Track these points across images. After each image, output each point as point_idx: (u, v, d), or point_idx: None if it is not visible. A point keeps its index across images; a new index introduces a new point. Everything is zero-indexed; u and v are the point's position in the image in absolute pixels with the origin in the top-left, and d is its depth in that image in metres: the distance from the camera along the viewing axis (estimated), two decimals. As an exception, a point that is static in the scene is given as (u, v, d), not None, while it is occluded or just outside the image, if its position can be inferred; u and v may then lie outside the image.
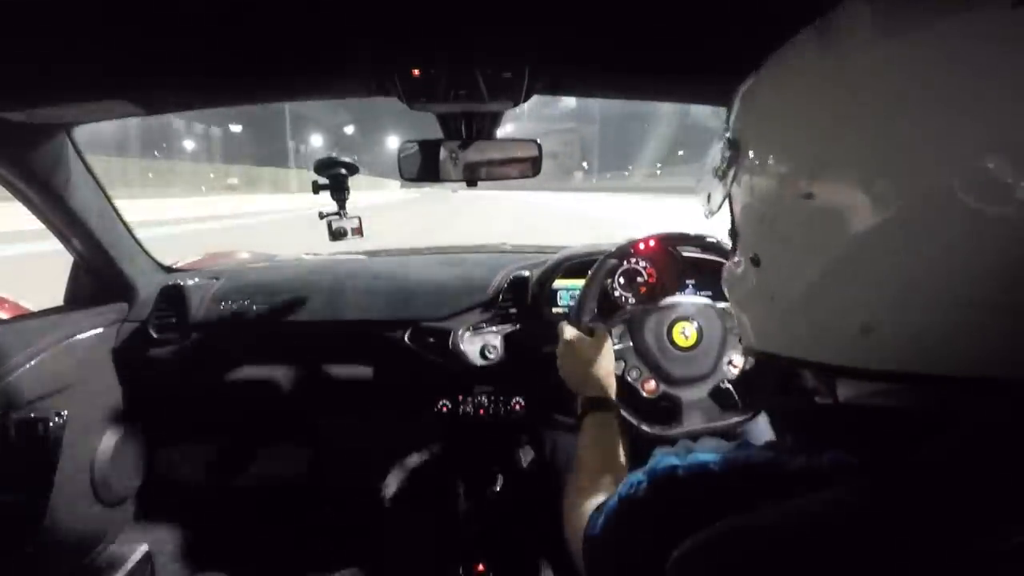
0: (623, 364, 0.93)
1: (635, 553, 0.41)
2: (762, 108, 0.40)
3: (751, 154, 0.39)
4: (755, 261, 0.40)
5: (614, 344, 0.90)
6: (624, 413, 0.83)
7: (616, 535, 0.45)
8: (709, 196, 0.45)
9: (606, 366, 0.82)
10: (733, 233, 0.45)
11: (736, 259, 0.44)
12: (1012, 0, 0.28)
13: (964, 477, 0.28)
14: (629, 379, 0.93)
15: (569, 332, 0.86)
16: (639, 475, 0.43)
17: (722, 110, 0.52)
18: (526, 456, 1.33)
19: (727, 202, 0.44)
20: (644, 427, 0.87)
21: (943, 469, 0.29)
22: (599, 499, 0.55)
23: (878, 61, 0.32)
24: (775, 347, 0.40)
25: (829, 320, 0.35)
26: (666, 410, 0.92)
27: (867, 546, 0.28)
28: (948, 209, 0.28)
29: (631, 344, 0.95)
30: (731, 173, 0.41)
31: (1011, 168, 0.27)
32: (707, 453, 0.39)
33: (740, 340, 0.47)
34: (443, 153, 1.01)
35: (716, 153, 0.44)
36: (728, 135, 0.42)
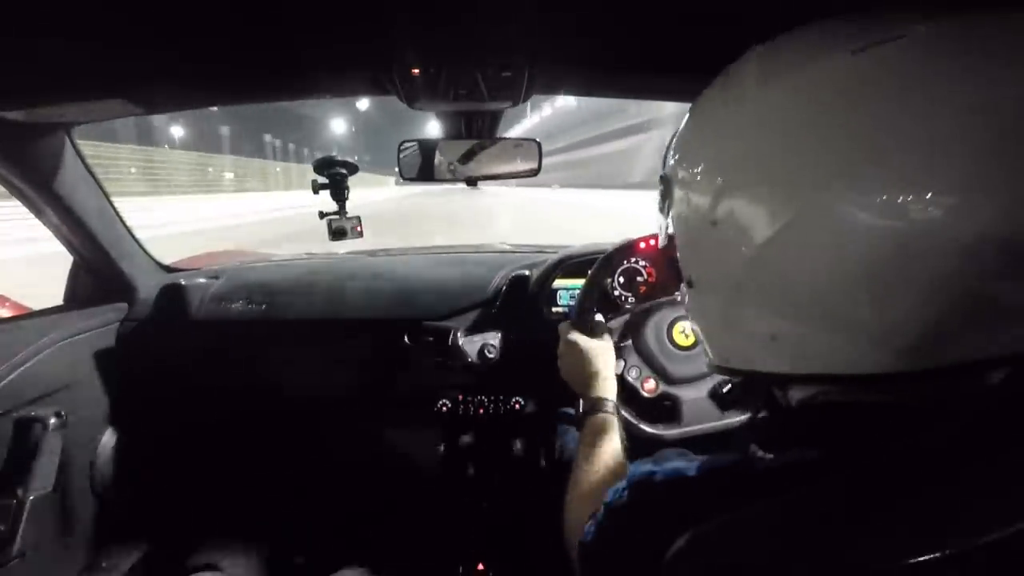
0: (623, 363, 0.93)
1: (625, 558, 0.43)
2: (681, 149, 0.45)
3: (675, 190, 0.45)
4: (690, 283, 0.45)
5: (614, 342, 0.90)
6: (624, 413, 0.83)
7: (605, 543, 0.46)
8: (660, 228, 0.52)
9: (606, 366, 0.82)
10: (676, 260, 0.49)
11: (683, 283, 0.49)
12: (852, 48, 0.33)
13: (922, 471, 0.30)
14: (629, 379, 0.93)
15: (570, 332, 0.86)
16: (621, 484, 0.46)
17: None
18: (526, 455, 1.33)
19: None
20: (644, 427, 0.87)
21: (901, 462, 0.31)
22: (593, 504, 0.56)
23: (756, 106, 0.38)
24: (723, 361, 0.44)
25: (746, 331, 0.39)
26: (666, 409, 0.92)
27: (837, 540, 0.29)
28: (814, 230, 0.33)
29: (631, 343, 0.95)
30: (665, 206, 0.48)
31: (855, 193, 0.32)
32: (680, 461, 0.42)
33: None
34: (443, 152, 1.01)
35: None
36: (662, 173, 0.48)
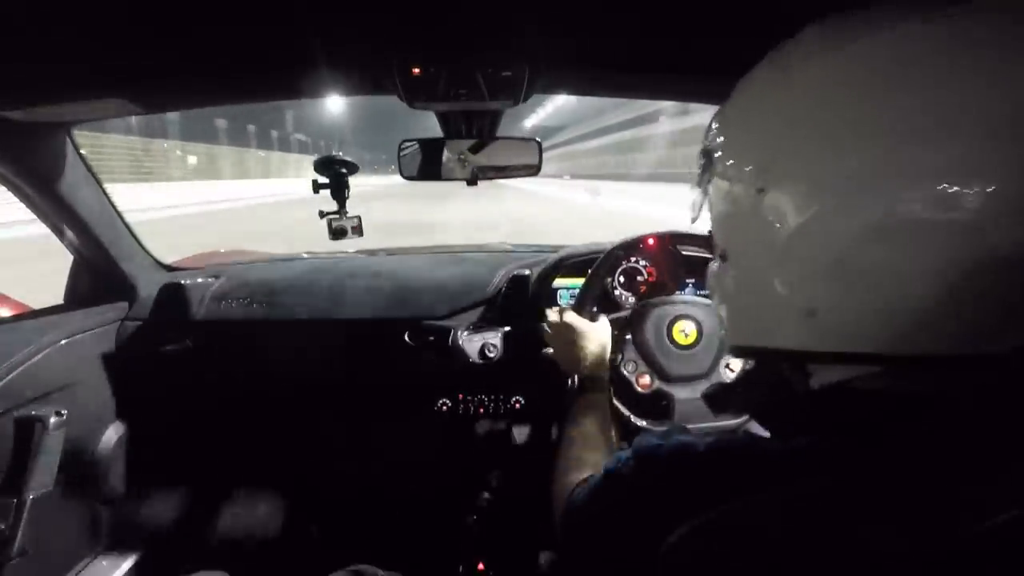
0: (619, 356, 0.94)
1: (618, 528, 0.43)
2: (727, 120, 0.45)
3: (719, 160, 0.45)
4: (723, 257, 0.45)
5: (613, 334, 0.91)
6: (616, 403, 0.83)
7: (599, 508, 0.47)
8: (694, 204, 0.51)
9: (601, 348, 0.82)
10: (710, 235, 0.49)
11: (714, 259, 0.49)
12: (923, 16, 0.32)
13: (934, 460, 0.30)
14: (625, 372, 0.93)
15: (568, 314, 0.86)
16: (625, 453, 0.45)
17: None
18: (526, 455, 1.33)
19: (708, 207, 0.49)
20: (634, 419, 0.87)
21: (914, 451, 0.31)
22: (584, 471, 0.57)
23: (813, 74, 0.37)
24: (745, 339, 0.44)
25: (781, 306, 0.39)
26: (658, 406, 0.93)
27: (846, 530, 0.30)
28: (867, 204, 0.33)
29: (630, 337, 0.95)
30: (705, 179, 0.47)
31: (912, 173, 0.31)
32: (687, 436, 0.42)
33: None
34: (443, 152, 1.01)
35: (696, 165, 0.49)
36: (703, 146, 0.48)
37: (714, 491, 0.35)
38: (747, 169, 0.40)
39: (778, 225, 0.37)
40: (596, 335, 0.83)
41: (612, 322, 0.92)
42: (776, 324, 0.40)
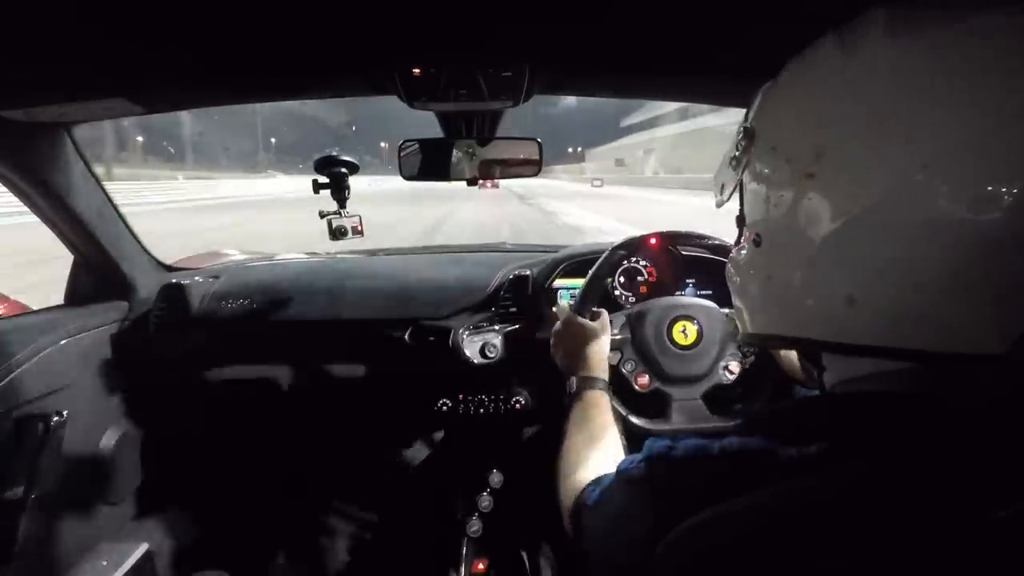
0: (619, 355, 0.94)
1: (628, 527, 0.43)
2: (778, 99, 0.43)
3: (765, 141, 0.43)
4: (757, 242, 0.43)
5: (613, 334, 0.91)
6: (613, 402, 0.84)
7: (611, 508, 0.46)
8: (723, 186, 0.49)
9: (600, 347, 0.82)
10: (740, 219, 0.48)
11: (741, 245, 0.47)
12: (1011, 8, 0.31)
13: (945, 467, 0.30)
14: (624, 370, 0.93)
15: (567, 314, 0.86)
16: (638, 456, 0.45)
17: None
18: (526, 455, 1.33)
19: (737, 190, 0.48)
20: (632, 418, 0.87)
21: (928, 455, 0.30)
22: (592, 470, 0.57)
23: (883, 61, 0.35)
24: (770, 328, 0.43)
25: (819, 294, 0.38)
26: (656, 405, 0.93)
27: (852, 530, 0.29)
28: (924, 199, 0.32)
29: (630, 337, 0.95)
30: (744, 160, 0.45)
31: (985, 168, 0.30)
32: (700, 439, 0.41)
33: (738, 334, 0.50)
34: (443, 152, 1.01)
35: (732, 144, 0.47)
36: (745, 125, 0.45)
37: (729, 494, 0.34)
38: (798, 153, 0.38)
39: (827, 212, 0.36)
40: (597, 335, 0.83)
41: (612, 321, 0.92)
42: (810, 312, 0.39)
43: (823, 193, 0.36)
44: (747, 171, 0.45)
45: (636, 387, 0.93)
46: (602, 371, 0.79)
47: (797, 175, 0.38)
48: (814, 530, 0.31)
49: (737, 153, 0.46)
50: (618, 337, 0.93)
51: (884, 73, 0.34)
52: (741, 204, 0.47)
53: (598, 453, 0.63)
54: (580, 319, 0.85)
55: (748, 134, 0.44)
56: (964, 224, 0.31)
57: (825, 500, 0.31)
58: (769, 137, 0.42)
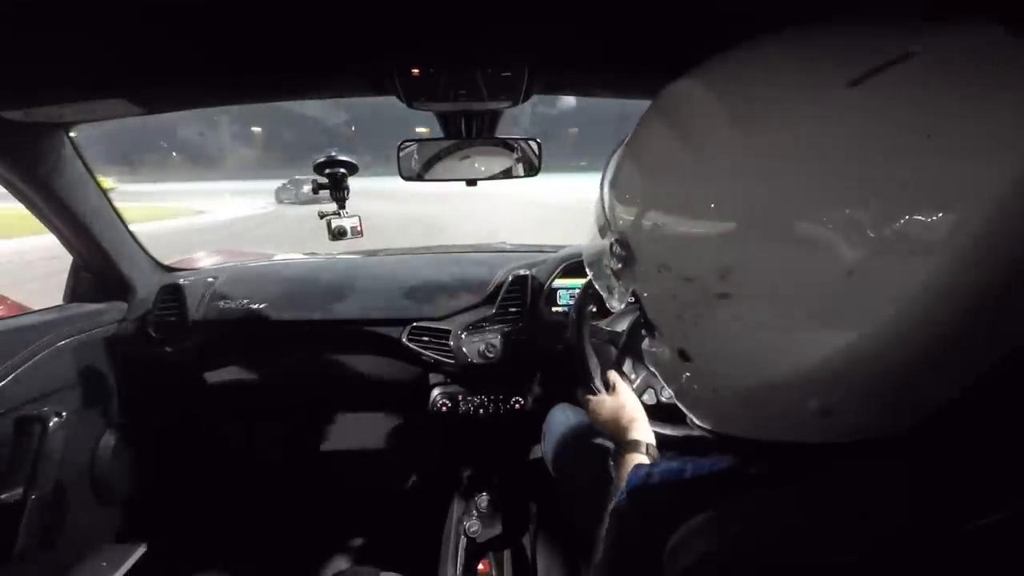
0: (629, 362, 0.93)
1: (631, 557, 0.44)
2: (644, 210, 0.36)
3: (648, 257, 0.37)
4: (684, 356, 0.36)
5: (620, 344, 0.90)
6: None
7: (614, 546, 0.48)
8: (609, 290, 0.43)
9: (634, 413, 0.82)
10: (648, 324, 0.40)
11: (659, 348, 0.39)
12: (847, 80, 0.27)
13: (915, 480, 0.30)
14: (631, 376, 0.93)
15: (588, 401, 0.86)
16: (622, 493, 0.47)
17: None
18: (526, 455, 1.33)
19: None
20: (655, 428, 0.87)
21: (899, 467, 0.31)
22: None
23: (738, 161, 0.31)
24: (733, 430, 0.37)
25: (778, 410, 0.33)
26: (669, 411, 0.92)
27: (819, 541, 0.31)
28: (873, 291, 0.27)
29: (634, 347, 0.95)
30: (629, 272, 0.38)
31: (866, 245, 0.26)
32: (675, 462, 0.42)
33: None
34: (443, 153, 1.01)
35: (600, 243, 0.42)
36: (615, 235, 0.39)
37: (700, 510, 0.36)
38: (699, 273, 0.32)
39: (759, 330, 0.31)
40: (628, 405, 0.83)
41: (615, 323, 0.91)
42: (774, 422, 0.34)
43: (746, 308, 0.31)
44: (638, 284, 0.38)
45: (644, 398, 0.92)
46: (643, 433, 0.78)
47: (708, 296, 0.32)
48: (782, 543, 0.32)
49: (617, 266, 0.39)
50: (625, 348, 0.93)
51: (751, 173, 0.30)
52: (641, 307, 0.40)
53: None
54: (603, 398, 0.85)
55: (623, 246, 0.38)
56: (918, 313, 0.27)
57: (786, 511, 0.33)
58: (651, 253, 0.36)
